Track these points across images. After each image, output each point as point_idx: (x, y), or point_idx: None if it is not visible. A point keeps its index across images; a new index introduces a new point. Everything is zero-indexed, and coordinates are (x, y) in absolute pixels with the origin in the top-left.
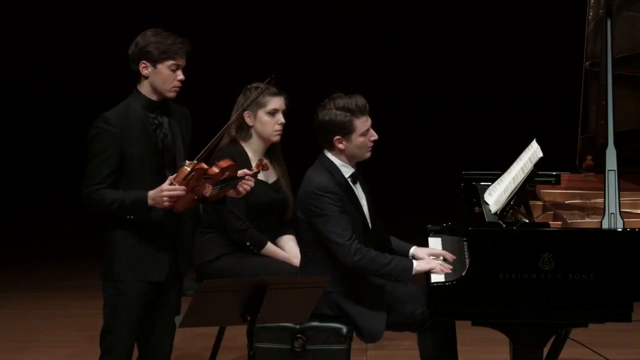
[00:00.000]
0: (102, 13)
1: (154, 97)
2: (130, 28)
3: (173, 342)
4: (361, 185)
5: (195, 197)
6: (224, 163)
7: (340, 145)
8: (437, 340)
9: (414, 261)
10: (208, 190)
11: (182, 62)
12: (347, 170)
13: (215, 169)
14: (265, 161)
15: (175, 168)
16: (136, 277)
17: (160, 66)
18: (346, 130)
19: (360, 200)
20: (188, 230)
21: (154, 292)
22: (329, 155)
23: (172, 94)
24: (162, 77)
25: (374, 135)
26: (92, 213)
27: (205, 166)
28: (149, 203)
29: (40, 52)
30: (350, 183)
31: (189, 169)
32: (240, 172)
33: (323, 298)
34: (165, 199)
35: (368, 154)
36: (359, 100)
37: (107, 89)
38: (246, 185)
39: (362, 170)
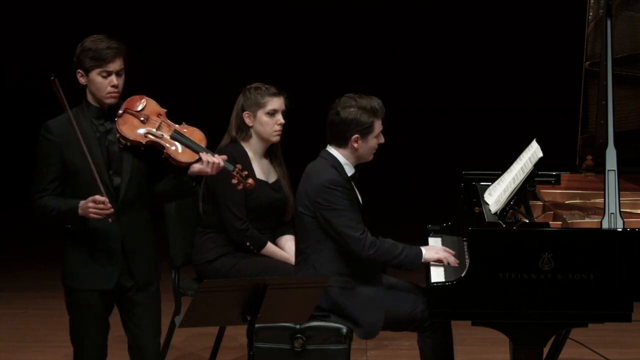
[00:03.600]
0: (101, 14)
1: (97, 105)
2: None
3: (157, 348)
4: (357, 188)
5: (141, 119)
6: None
7: (356, 145)
8: (437, 340)
9: (423, 249)
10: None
11: (113, 67)
12: (349, 170)
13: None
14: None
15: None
16: (85, 286)
17: (91, 74)
18: (366, 131)
19: (359, 199)
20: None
21: (108, 300)
22: (334, 152)
23: (110, 100)
24: (95, 85)
25: (382, 139)
26: (41, 223)
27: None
28: (79, 213)
29: (42, 54)
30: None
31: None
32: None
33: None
34: (90, 211)
35: (371, 157)
36: (379, 103)
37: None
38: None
39: (362, 171)
